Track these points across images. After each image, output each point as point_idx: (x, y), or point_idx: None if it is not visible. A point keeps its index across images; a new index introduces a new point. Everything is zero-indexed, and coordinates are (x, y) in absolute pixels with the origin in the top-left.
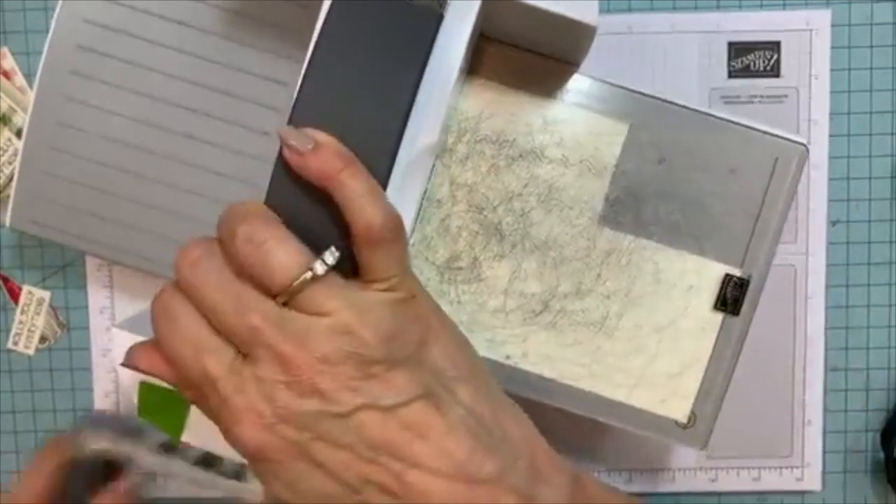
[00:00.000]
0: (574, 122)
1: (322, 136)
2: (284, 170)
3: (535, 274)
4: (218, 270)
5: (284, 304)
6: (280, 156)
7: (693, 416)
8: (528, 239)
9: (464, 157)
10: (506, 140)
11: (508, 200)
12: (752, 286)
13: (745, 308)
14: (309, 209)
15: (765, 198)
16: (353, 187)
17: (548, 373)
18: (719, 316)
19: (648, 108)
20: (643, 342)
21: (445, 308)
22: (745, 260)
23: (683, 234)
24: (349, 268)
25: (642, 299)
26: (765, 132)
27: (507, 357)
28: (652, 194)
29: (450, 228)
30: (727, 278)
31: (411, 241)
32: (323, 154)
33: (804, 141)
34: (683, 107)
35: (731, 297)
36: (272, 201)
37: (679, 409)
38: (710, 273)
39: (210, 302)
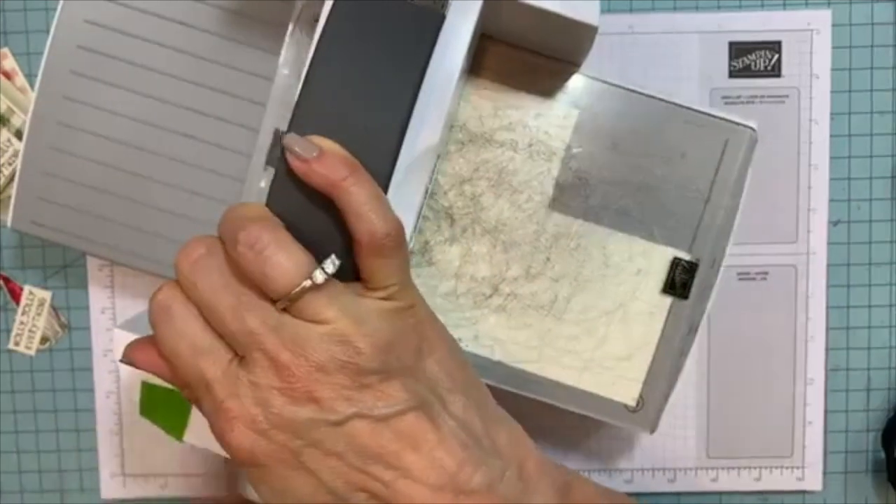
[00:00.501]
0: (524, 106)
1: (327, 144)
2: (286, 175)
3: (486, 258)
4: (219, 271)
5: (284, 310)
6: (281, 161)
7: (641, 400)
8: (479, 223)
9: None
10: (457, 125)
11: (459, 185)
12: (701, 270)
13: (694, 292)
14: (310, 215)
15: (714, 181)
16: (356, 195)
17: (498, 356)
18: (668, 300)
19: (598, 93)
20: (592, 325)
21: None
22: (693, 244)
23: (632, 219)
24: (350, 275)
25: (591, 283)
26: (714, 116)
27: (459, 340)
28: (601, 179)
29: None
30: (675, 262)
31: (412, 245)
32: (327, 161)
33: (753, 125)
34: (633, 91)
35: (680, 281)
36: (273, 206)
37: (628, 393)
38: (658, 257)
39: (209, 302)
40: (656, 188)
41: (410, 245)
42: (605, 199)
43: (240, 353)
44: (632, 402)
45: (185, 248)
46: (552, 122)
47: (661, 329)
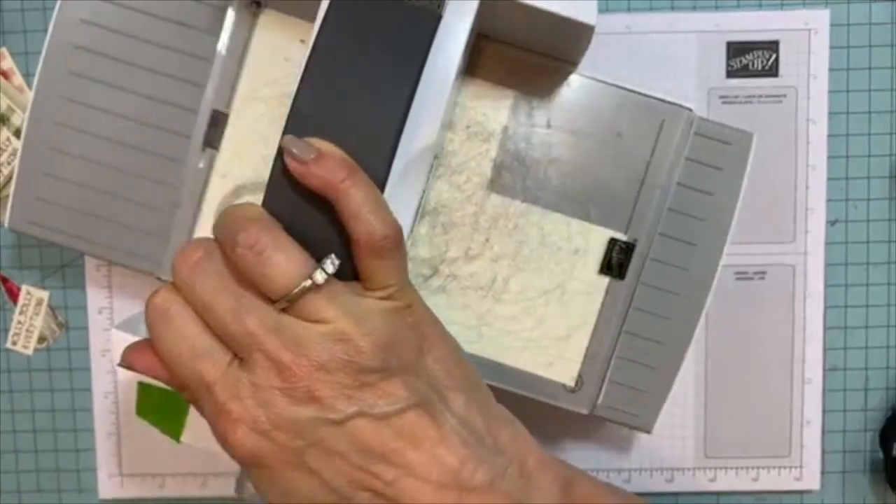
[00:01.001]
0: (461, 87)
1: (325, 146)
2: (283, 176)
3: (425, 239)
4: (217, 273)
5: (283, 311)
6: (277, 162)
7: (580, 380)
8: (421, 205)
9: None
10: None
11: None
12: (638, 251)
13: (631, 272)
14: (306, 216)
15: (650, 162)
16: (355, 197)
17: None
18: (605, 280)
19: (534, 73)
20: (531, 306)
21: None
22: (630, 224)
23: (569, 199)
24: (348, 275)
25: (530, 263)
26: (651, 97)
27: None
28: (539, 159)
29: None
30: (612, 243)
31: (408, 242)
32: (326, 163)
33: (690, 105)
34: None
35: (617, 262)
36: (269, 207)
37: (566, 373)
38: (595, 237)
39: (208, 304)
40: (592, 168)
41: (408, 244)
42: (542, 180)
43: (240, 355)
44: (570, 382)
45: (182, 250)
46: (489, 103)
47: (599, 309)
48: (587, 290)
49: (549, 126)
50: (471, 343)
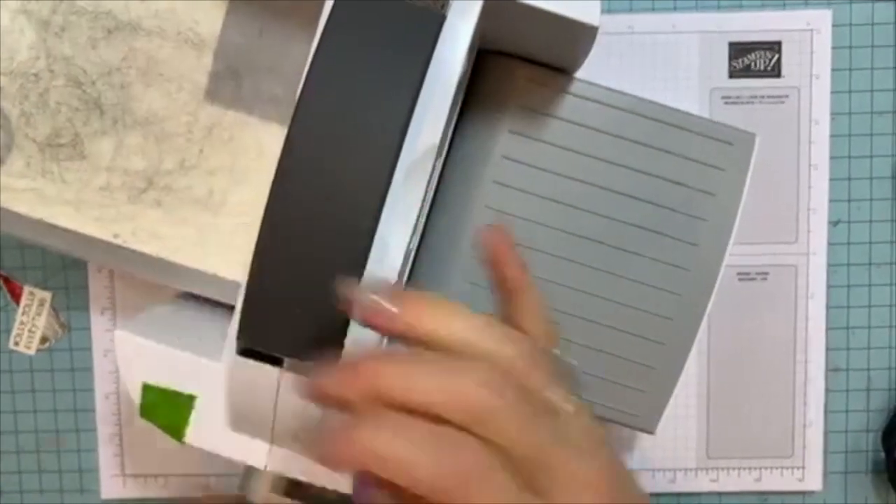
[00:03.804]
0: None
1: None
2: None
3: (139, 150)
4: (526, 399)
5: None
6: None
7: None
8: (130, 114)
9: (60, 29)
10: (102, 11)
11: (108, 74)
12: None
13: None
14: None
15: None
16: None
17: (158, 251)
18: None
19: None
20: (251, 219)
21: (50, 188)
22: None
23: (285, 109)
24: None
25: (248, 175)
26: None
27: (116, 236)
28: (252, 68)
29: (49, 104)
30: None
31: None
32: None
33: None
34: None
35: None
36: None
37: None
38: None
39: (535, 459)
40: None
41: (409, 243)
42: (256, 88)
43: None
44: None
45: (479, 379)
46: (202, 9)
47: None
48: None
49: (260, 33)
50: (195, 258)
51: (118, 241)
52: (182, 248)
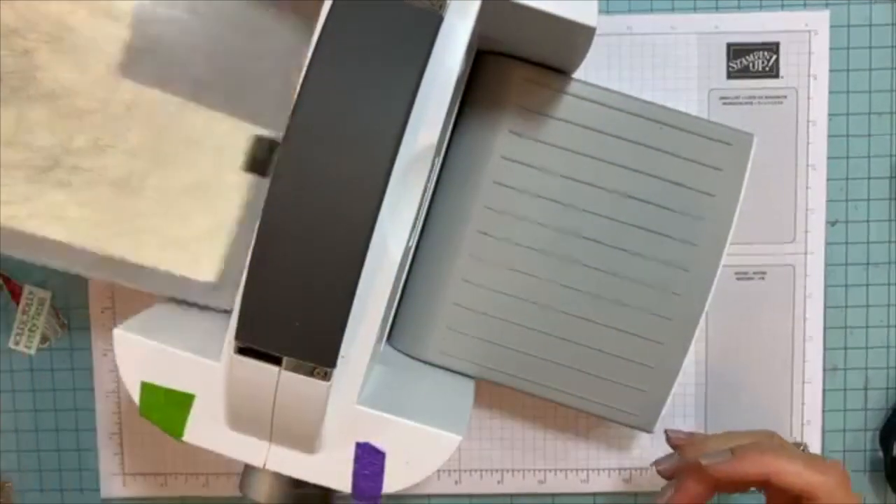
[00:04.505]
0: None
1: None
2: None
3: (45, 125)
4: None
5: None
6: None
7: (223, 277)
8: (33, 85)
9: None
10: None
11: (7, 37)
12: None
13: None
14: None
15: (300, 58)
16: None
17: (60, 235)
18: (250, 177)
19: None
20: (172, 203)
21: None
22: (276, 121)
23: (213, 91)
24: None
25: (170, 158)
26: None
27: (13, 218)
28: (178, 46)
29: None
30: (257, 140)
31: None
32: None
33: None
34: None
35: (261, 159)
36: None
37: (210, 270)
38: (240, 133)
39: None
40: (238, 61)
41: (409, 242)
42: (182, 68)
43: None
44: (213, 279)
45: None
46: None
47: (243, 206)
48: (231, 187)
49: (191, 10)
50: (103, 242)
51: (11, 225)
52: (90, 232)
